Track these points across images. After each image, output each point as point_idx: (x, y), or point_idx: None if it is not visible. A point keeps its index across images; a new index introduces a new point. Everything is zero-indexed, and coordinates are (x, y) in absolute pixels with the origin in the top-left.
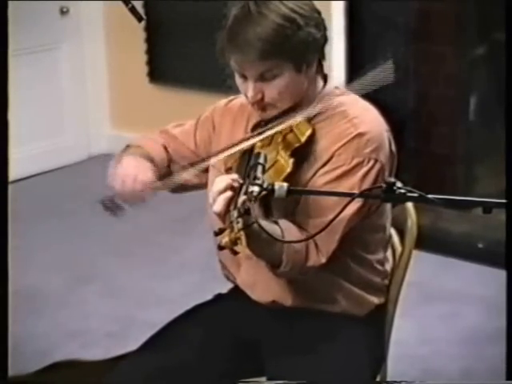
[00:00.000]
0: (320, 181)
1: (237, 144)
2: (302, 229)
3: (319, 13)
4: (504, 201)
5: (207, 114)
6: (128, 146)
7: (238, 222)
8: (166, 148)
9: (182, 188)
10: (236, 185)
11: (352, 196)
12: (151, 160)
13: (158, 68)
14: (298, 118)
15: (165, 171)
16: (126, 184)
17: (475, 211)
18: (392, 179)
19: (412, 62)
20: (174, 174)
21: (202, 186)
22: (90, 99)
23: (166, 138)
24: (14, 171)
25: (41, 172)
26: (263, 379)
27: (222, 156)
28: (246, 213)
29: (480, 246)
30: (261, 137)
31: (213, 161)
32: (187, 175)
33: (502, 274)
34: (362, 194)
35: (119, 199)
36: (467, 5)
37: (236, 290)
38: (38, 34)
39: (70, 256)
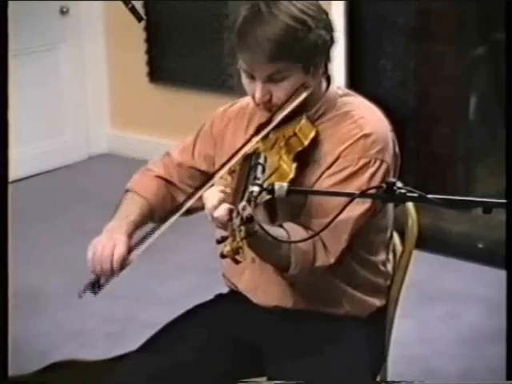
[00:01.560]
0: (326, 182)
1: (239, 148)
2: (309, 229)
3: (327, 14)
4: (504, 201)
5: (206, 127)
6: (127, 191)
7: (240, 231)
8: (164, 179)
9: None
10: (228, 192)
11: (352, 196)
12: (148, 208)
13: (158, 68)
14: (303, 121)
15: (165, 205)
16: (102, 265)
17: (475, 211)
18: (392, 179)
19: (412, 62)
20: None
21: None
22: (90, 99)
23: (167, 162)
24: (14, 171)
25: (41, 172)
26: (263, 379)
27: (226, 168)
28: (248, 221)
29: (480, 246)
30: (261, 134)
31: (219, 175)
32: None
33: (502, 274)
34: (362, 195)
35: (100, 278)
36: (467, 5)
37: (237, 290)
38: (38, 33)
39: (69, 256)
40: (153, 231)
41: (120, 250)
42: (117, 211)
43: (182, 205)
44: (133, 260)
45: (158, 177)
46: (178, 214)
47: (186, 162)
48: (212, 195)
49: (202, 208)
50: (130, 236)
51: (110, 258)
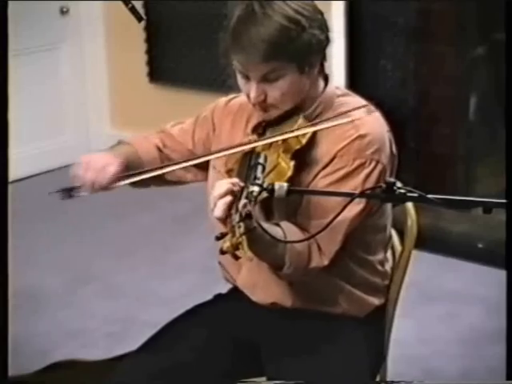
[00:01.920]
0: (322, 182)
1: (237, 146)
2: (304, 230)
3: (322, 14)
4: (504, 201)
5: (207, 113)
6: (119, 143)
7: (239, 227)
8: (159, 148)
9: (176, 182)
10: (236, 189)
11: (351, 196)
12: (137, 158)
13: (158, 68)
14: (306, 130)
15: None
16: (88, 171)
17: (475, 211)
18: (392, 179)
19: (412, 62)
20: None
21: (197, 181)
22: (89, 99)
23: (164, 137)
24: (14, 171)
25: (41, 172)
26: (263, 379)
27: (219, 155)
28: (247, 217)
29: (480, 245)
30: (264, 142)
31: (208, 158)
32: (177, 172)
33: (502, 274)
34: (361, 195)
35: (82, 186)
36: (467, 5)
37: (236, 291)
38: (38, 33)
39: (70, 256)
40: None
41: (114, 167)
42: (110, 150)
43: (168, 166)
44: (117, 185)
45: (155, 145)
46: (166, 170)
47: (187, 145)
48: (221, 186)
49: (188, 181)
50: (122, 166)
51: (103, 170)
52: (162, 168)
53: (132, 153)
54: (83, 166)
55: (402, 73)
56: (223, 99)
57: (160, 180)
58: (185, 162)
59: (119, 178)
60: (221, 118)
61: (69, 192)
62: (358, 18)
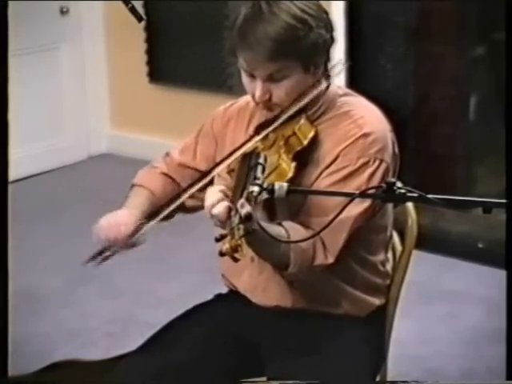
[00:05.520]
0: (326, 182)
1: (238, 147)
2: (308, 228)
3: (327, 13)
4: (504, 201)
5: (207, 126)
6: (132, 185)
7: (238, 229)
8: (168, 175)
9: (188, 210)
10: (228, 193)
11: (351, 196)
12: (154, 201)
13: (158, 68)
14: (302, 121)
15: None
16: (111, 233)
17: (475, 211)
18: (392, 179)
19: (412, 62)
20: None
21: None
22: (89, 99)
23: (169, 161)
24: (14, 171)
25: (41, 172)
26: (264, 379)
27: (224, 166)
28: (246, 219)
29: (480, 245)
30: (262, 135)
31: (216, 171)
32: (189, 199)
33: (502, 274)
34: (361, 194)
35: (110, 248)
36: (467, 5)
37: (236, 291)
38: (38, 33)
39: (69, 256)
40: (155, 215)
41: (134, 220)
42: (125, 203)
43: (180, 194)
44: (142, 235)
45: (164, 174)
46: (178, 202)
47: (187, 163)
48: (212, 193)
49: (202, 207)
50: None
51: (126, 225)
52: (173, 200)
53: (148, 198)
54: (102, 228)
55: (402, 73)
56: (221, 108)
57: (184, 209)
58: (189, 186)
59: (139, 227)
60: (221, 127)
61: (99, 256)
62: (358, 18)
